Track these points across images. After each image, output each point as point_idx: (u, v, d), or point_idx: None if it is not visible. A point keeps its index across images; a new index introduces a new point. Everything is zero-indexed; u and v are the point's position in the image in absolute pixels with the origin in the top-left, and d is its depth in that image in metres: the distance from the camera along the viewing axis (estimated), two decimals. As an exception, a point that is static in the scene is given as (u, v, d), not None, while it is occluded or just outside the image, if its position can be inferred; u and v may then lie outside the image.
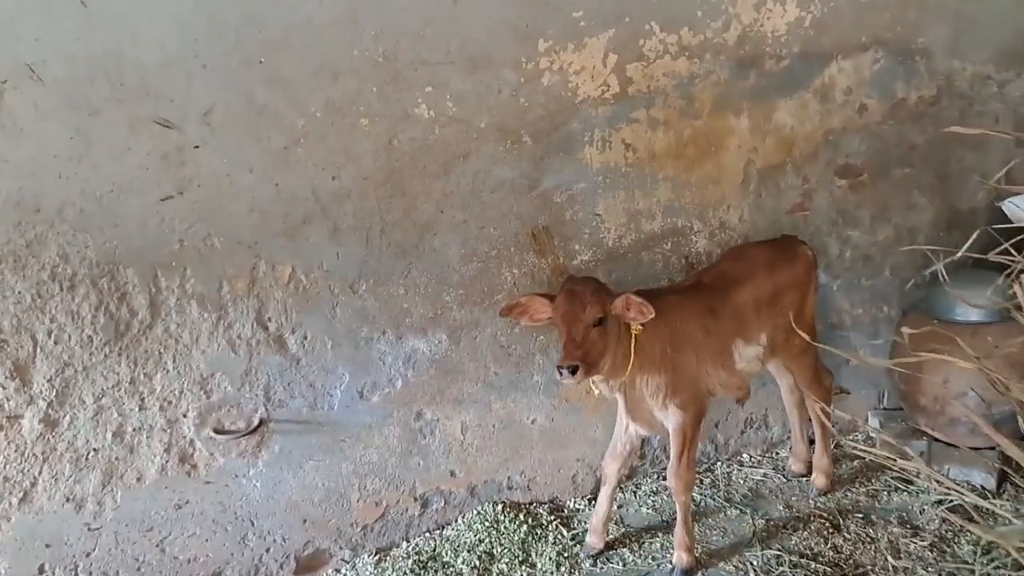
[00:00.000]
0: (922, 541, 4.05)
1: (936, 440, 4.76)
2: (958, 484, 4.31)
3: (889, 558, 3.94)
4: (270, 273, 3.71)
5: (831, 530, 4.19)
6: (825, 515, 4.33)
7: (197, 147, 3.46)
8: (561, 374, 3.41)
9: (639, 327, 3.67)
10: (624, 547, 4.24)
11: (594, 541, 4.18)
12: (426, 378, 4.14)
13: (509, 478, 4.47)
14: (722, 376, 3.96)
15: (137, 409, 3.62)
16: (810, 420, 4.63)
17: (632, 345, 3.70)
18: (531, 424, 4.44)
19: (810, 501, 4.50)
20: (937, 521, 4.19)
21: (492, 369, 4.27)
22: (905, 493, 4.49)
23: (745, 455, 4.99)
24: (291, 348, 3.83)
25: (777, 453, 5.03)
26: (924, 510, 4.30)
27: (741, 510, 4.45)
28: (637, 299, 3.54)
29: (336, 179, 3.71)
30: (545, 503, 4.55)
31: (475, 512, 4.38)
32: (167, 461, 3.72)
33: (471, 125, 3.87)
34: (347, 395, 3.99)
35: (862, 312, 5.04)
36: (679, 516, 4.02)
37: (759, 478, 4.77)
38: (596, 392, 4.09)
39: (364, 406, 4.04)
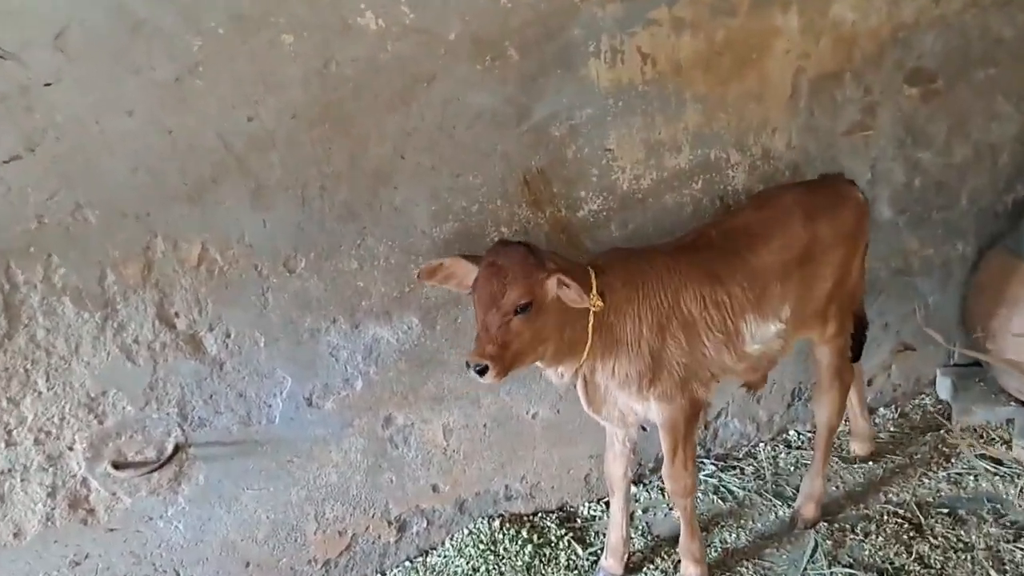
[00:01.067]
0: (1031, 547, 3.38)
1: (1024, 405, 4.08)
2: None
3: (992, 573, 3.26)
4: (171, 253, 2.88)
5: (912, 533, 3.52)
6: (902, 513, 3.64)
7: (49, 84, 2.56)
8: (470, 370, 2.75)
9: (599, 303, 2.87)
10: (652, 565, 3.55)
11: (612, 565, 3.50)
12: (394, 374, 3.35)
13: (507, 487, 3.74)
14: (725, 360, 3.19)
15: (2, 446, 2.81)
16: (868, 386, 3.90)
17: (590, 326, 2.94)
18: (532, 419, 3.69)
19: (881, 494, 3.79)
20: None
21: (479, 355, 3.47)
22: (996, 477, 3.80)
23: (792, 432, 4.29)
24: (210, 350, 3.02)
25: (830, 428, 4.31)
26: (1024, 503, 3.62)
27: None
28: (571, 282, 2.77)
29: (253, 119, 2.84)
30: (553, 512, 3.84)
31: (466, 532, 3.67)
32: (53, 508, 2.95)
33: (435, 37, 2.99)
34: (291, 404, 3.21)
35: (932, 252, 4.29)
36: (682, 523, 3.36)
37: (810, 462, 4.05)
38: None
39: (315, 416, 3.27)
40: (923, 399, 4.49)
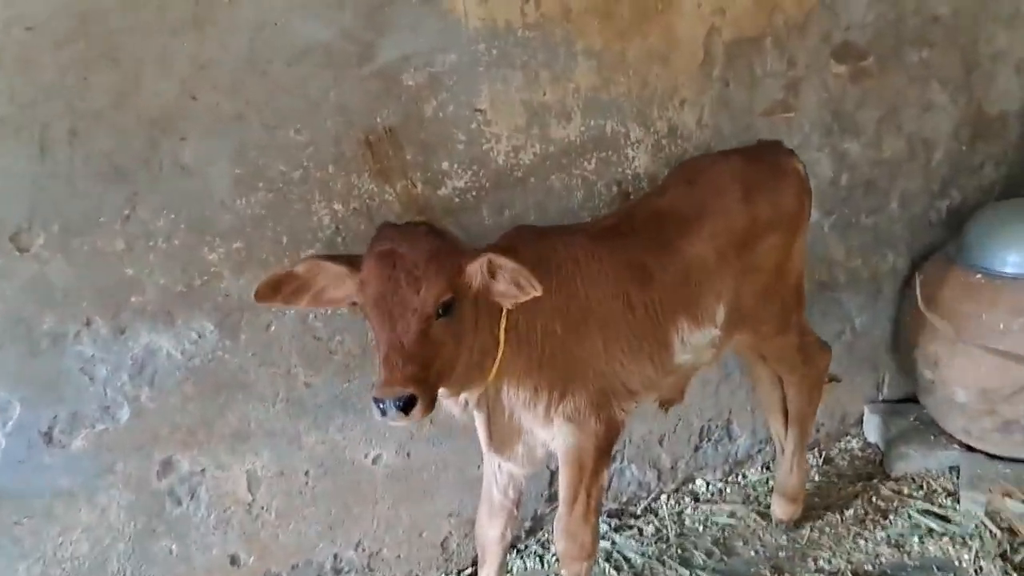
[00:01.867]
0: (999, 624, 2.86)
1: (971, 450, 3.62)
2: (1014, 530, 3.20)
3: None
4: None
5: (852, 610, 2.94)
6: (838, 583, 3.08)
7: None
8: (383, 413, 2.07)
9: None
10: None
11: None
12: (177, 401, 2.59)
13: (336, 556, 2.99)
14: (648, 374, 2.64)
15: None
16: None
17: (502, 330, 2.34)
18: (372, 464, 2.98)
19: (810, 561, 3.23)
20: (1011, 585, 3.02)
21: (301, 378, 2.76)
22: (945, 537, 3.30)
23: (700, 482, 3.70)
24: None
25: (745, 476, 3.77)
26: (982, 567, 3.12)
27: (708, 581, 3.15)
28: (512, 264, 2.17)
29: (-42, 21, 2.05)
30: (399, 590, 3.10)
31: (279, 620, 2.87)
32: None
33: (241, -70, 2.30)
34: (19, 441, 2.43)
35: (860, 264, 3.84)
36: None
37: (724, 520, 3.48)
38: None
39: (57, 458, 2.49)
40: (849, 441, 4.01)
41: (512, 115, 2.85)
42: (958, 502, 3.46)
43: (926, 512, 3.43)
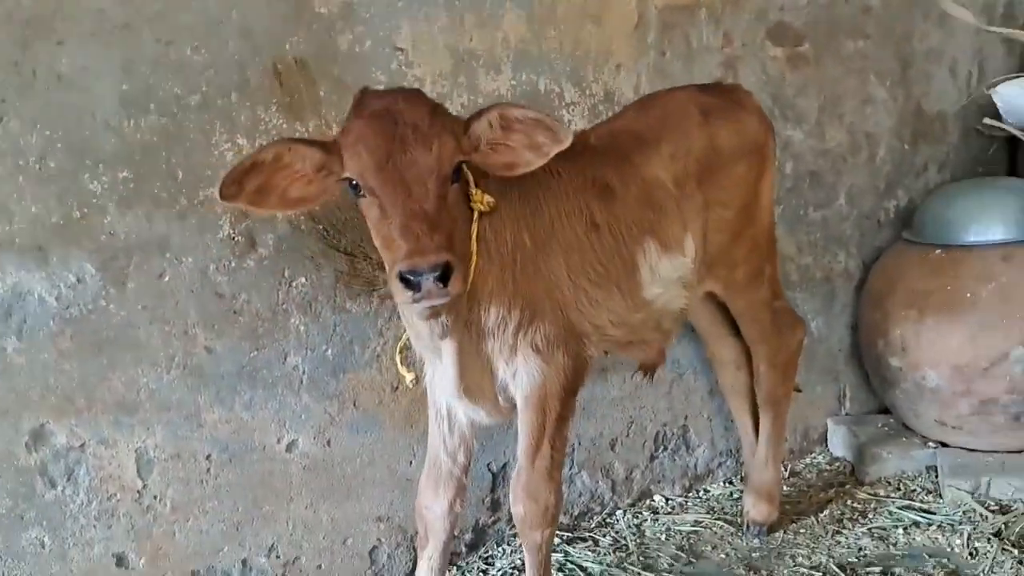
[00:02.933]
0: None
1: (946, 446, 3.34)
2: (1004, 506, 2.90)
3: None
4: None
5: (839, 602, 2.57)
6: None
7: None
8: (416, 288, 1.79)
9: (486, 200, 2.08)
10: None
11: None
12: (51, 356, 2.22)
13: (245, 562, 2.55)
14: (617, 307, 2.37)
15: None
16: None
17: (474, 235, 2.07)
18: (286, 452, 2.57)
19: (788, 559, 2.86)
20: (1011, 564, 2.67)
21: (201, 340, 2.39)
22: (932, 527, 2.96)
23: (659, 497, 3.32)
24: None
25: (707, 490, 3.40)
26: (977, 548, 2.78)
27: (676, 585, 2.76)
28: (531, 112, 1.99)
29: None
30: (319, 606, 2.63)
31: (173, 637, 2.39)
32: None
33: None
34: None
35: (812, 262, 3.63)
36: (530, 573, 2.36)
37: (689, 528, 3.11)
38: (408, 376, 2.35)
39: (-102, 418, 2.03)
40: (815, 456, 3.68)
41: (436, 58, 2.65)
42: (940, 496, 3.14)
43: (907, 508, 3.10)
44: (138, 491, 2.36)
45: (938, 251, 3.24)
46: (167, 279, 2.33)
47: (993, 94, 3.68)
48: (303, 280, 2.52)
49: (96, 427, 2.28)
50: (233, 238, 2.41)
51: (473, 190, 2.06)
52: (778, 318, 2.91)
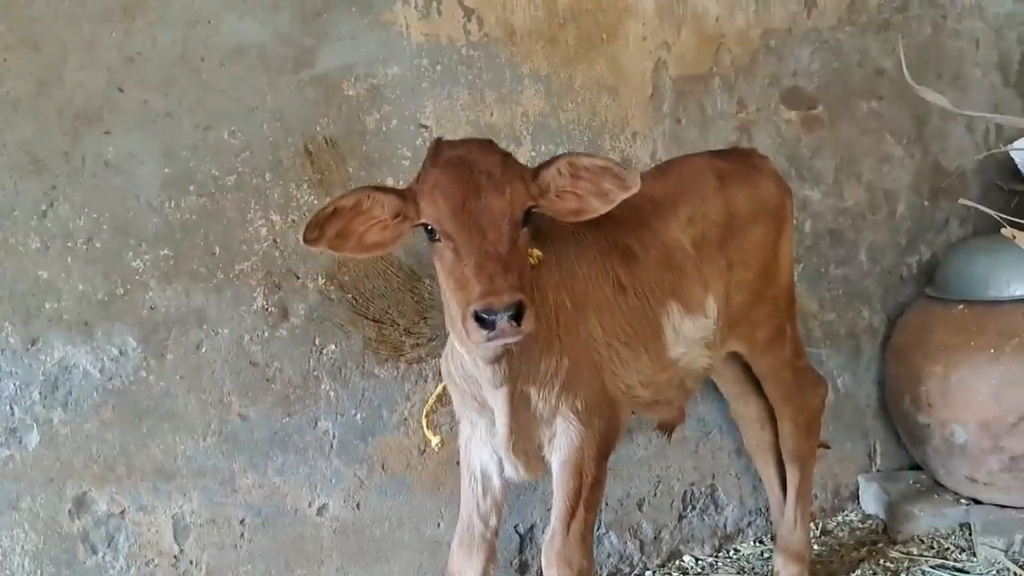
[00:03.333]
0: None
1: (979, 503, 3.32)
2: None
3: None
4: None
5: (874, 661, 2.56)
6: (853, 638, 2.70)
7: None
8: (491, 327, 1.84)
9: (535, 254, 2.15)
10: None
11: None
12: (94, 427, 2.32)
13: (278, 625, 2.58)
14: (645, 368, 2.42)
15: None
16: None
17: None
18: (316, 516, 2.64)
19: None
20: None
21: (236, 407, 2.49)
22: (963, 589, 2.94)
23: (688, 557, 3.33)
24: None
25: (737, 550, 3.40)
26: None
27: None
28: (599, 160, 2.10)
29: None
30: (351, 670, 2.67)
31: None
32: None
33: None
34: None
35: (835, 318, 3.66)
36: None
37: (719, 591, 3.11)
38: (434, 440, 2.42)
39: (-52, 487, 2.15)
40: (847, 515, 3.67)
41: (459, 134, 2.76)
42: (974, 555, 3.12)
43: (941, 567, 3.08)
44: (175, 556, 2.44)
45: (961, 307, 3.27)
46: (204, 350, 2.44)
47: (1011, 150, 3.73)
48: (333, 347, 2.62)
49: (135, 494, 2.38)
50: (267, 309, 2.52)
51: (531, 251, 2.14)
52: (800, 377, 2.94)
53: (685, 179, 2.63)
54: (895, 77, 3.76)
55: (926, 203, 3.87)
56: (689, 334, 2.52)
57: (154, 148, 2.33)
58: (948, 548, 3.23)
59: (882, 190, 3.76)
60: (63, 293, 2.25)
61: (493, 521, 2.45)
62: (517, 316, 1.85)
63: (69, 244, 2.25)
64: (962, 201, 2.05)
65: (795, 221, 3.42)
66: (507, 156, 2.07)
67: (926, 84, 3.83)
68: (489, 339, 1.88)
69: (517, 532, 3.00)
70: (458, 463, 2.78)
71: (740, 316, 2.69)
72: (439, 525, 2.82)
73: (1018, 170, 3.84)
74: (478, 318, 1.86)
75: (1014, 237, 1.86)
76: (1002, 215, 1.86)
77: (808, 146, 3.55)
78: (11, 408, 2.22)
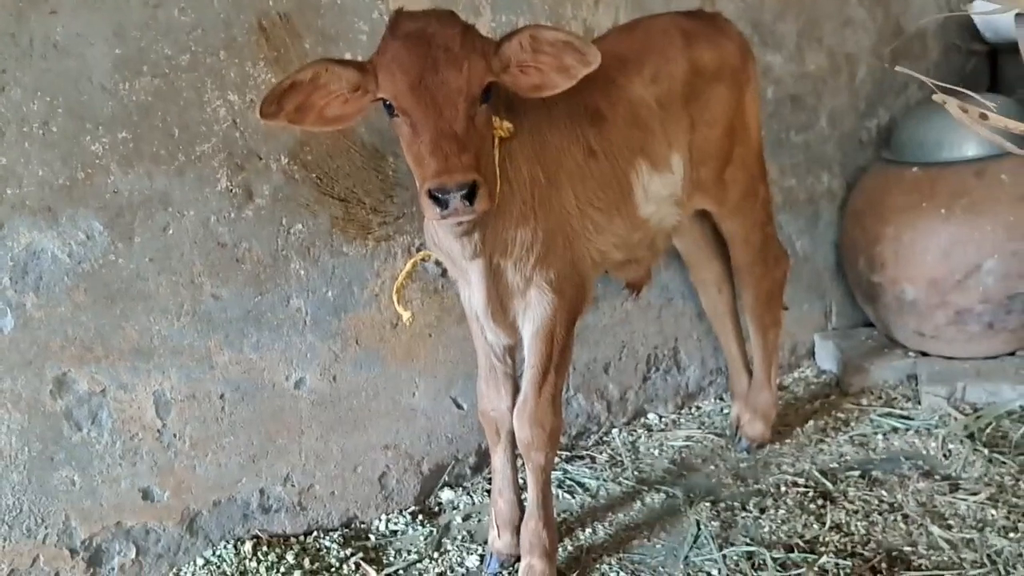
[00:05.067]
0: (975, 495, 2.64)
1: (925, 355, 3.46)
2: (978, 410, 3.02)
3: (934, 529, 2.50)
4: None
5: (821, 502, 2.72)
6: (803, 483, 2.85)
7: None
8: (444, 205, 1.89)
9: (504, 127, 2.15)
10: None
11: (507, 544, 2.58)
12: (68, 309, 2.34)
13: (263, 491, 2.70)
14: (619, 230, 2.46)
15: None
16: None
17: (496, 158, 2.14)
18: (295, 389, 2.71)
19: (774, 467, 3.00)
20: (981, 463, 2.81)
21: (208, 287, 2.52)
22: (909, 432, 3.10)
23: (652, 415, 3.46)
24: None
25: (698, 407, 3.54)
26: (950, 449, 2.92)
27: (668, 493, 2.90)
28: (562, 34, 2.05)
29: None
30: (336, 531, 2.79)
31: (200, 564, 2.57)
32: None
33: None
34: None
35: (795, 184, 3.70)
36: (532, 494, 2.47)
37: (681, 443, 3.25)
38: (406, 315, 2.46)
39: (-71, 373, 2.17)
40: (803, 371, 3.81)
41: (416, 4, 2.66)
42: (919, 403, 3.27)
43: (888, 415, 3.23)
44: (158, 430, 2.50)
45: (914, 169, 3.31)
46: (171, 232, 2.43)
47: (971, 13, 3.69)
48: (300, 227, 2.62)
49: (115, 373, 2.41)
50: (231, 190, 2.50)
51: (493, 117, 2.11)
52: (766, 245, 2.99)
53: (651, 37, 2.60)
54: (858, -63, 3.70)
55: (886, 66, 3.85)
56: (657, 191, 2.54)
57: (103, 28, 2.25)
58: (896, 398, 3.39)
59: (843, 54, 3.74)
60: (23, 179, 2.21)
61: (509, 360, 2.53)
62: (470, 195, 1.87)
63: (25, 129, 2.20)
64: (899, 68, 2.03)
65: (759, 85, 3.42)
66: (467, 29, 2.03)
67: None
68: (443, 217, 1.91)
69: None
70: (430, 335, 2.88)
71: (709, 175, 2.71)
72: (414, 394, 2.90)
73: (978, 30, 3.82)
74: (432, 196, 1.88)
75: (944, 103, 1.87)
76: (935, 81, 1.84)
77: (771, 10, 3.51)
78: (-18, 295, 2.23)
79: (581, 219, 2.35)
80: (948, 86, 1.80)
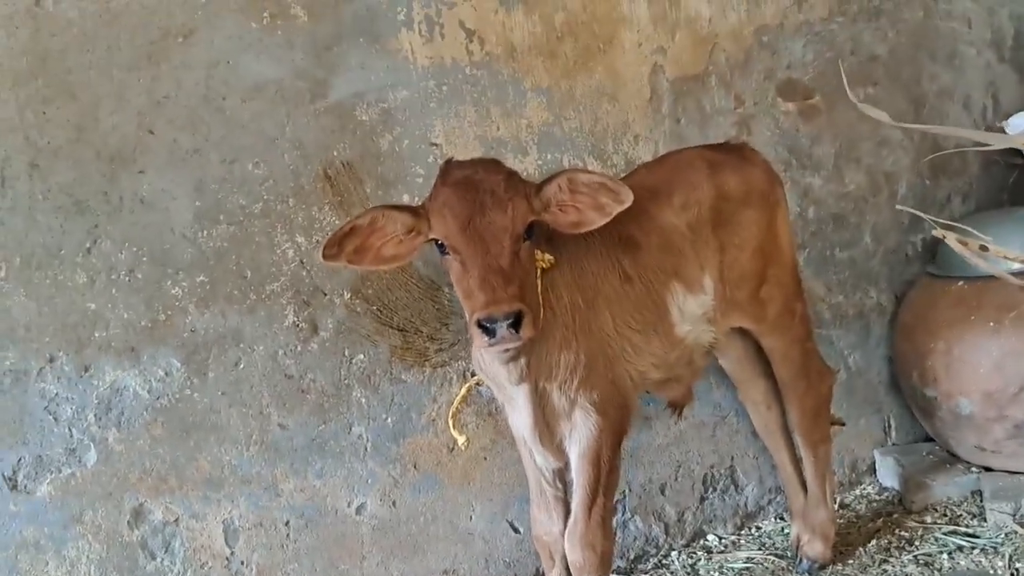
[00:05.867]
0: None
1: (990, 470, 3.42)
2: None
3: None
4: None
5: (885, 625, 2.68)
6: (866, 604, 2.82)
7: None
8: (491, 334, 2.05)
9: (546, 259, 2.32)
10: None
11: None
12: (146, 442, 2.50)
13: (326, 617, 2.75)
14: (656, 350, 2.57)
15: None
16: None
17: (539, 289, 2.30)
18: (356, 515, 2.80)
19: (831, 587, 2.98)
20: (1051, 582, 2.76)
21: (275, 418, 2.67)
22: (975, 551, 3.05)
23: (711, 536, 3.46)
24: None
25: (759, 527, 3.53)
26: (1018, 568, 2.87)
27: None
28: (597, 176, 2.28)
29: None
30: (396, 656, 2.84)
31: None
32: None
33: (189, -23, 2.46)
34: None
35: (843, 300, 3.76)
36: None
37: (742, 565, 3.24)
38: (461, 439, 2.57)
39: (22, 506, 2.38)
40: (864, 488, 3.78)
41: (468, 149, 2.90)
42: (984, 520, 3.22)
43: (952, 533, 3.19)
44: (227, 558, 2.61)
45: (960, 283, 3.36)
46: (242, 366, 2.61)
47: (1005, 126, 3.81)
48: (362, 357, 2.78)
49: (187, 503, 2.55)
50: (298, 325, 2.68)
51: (536, 251, 2.29)
52: (808, 360, 3.04)
53: (678, 169, 2.77)
54: (889, 63, 3.86)
55: (927, 182, 3.95)
56: (692, 311, 2.66)
57: (185, 183, 2.49)
58: (960, 515, 3.33)
59: (882, 172, 3.84)
60: (110, 322, 2.42)
61: (560, 484, 2.61)
62: (516, 324, 2.02)
63: (113, 277, 2.42)
64: (899, 207, 2.15)
65: (794, 207, 3.54)
66: (511, 175, 2.23)
67: (920, 67, 3.95)
68: (491, 345, 2.06)
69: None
70: (485, 458, 2.98)
71: (743, 294, 2.81)
72: (471, 518, 2.97)
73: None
74: (481, 326, 2.03)
75: (944, 237, 1.98)
76: (934, 219, 1.95)
77: (807, 135, 3.65)
78: (70, 431, 2.40)
79: (619, 340, 2.47)
80: (946, 222, 1.90)
